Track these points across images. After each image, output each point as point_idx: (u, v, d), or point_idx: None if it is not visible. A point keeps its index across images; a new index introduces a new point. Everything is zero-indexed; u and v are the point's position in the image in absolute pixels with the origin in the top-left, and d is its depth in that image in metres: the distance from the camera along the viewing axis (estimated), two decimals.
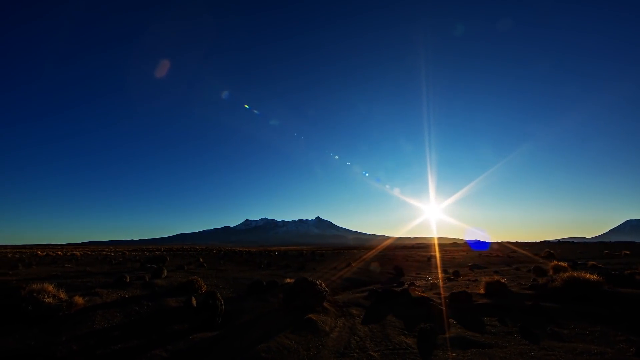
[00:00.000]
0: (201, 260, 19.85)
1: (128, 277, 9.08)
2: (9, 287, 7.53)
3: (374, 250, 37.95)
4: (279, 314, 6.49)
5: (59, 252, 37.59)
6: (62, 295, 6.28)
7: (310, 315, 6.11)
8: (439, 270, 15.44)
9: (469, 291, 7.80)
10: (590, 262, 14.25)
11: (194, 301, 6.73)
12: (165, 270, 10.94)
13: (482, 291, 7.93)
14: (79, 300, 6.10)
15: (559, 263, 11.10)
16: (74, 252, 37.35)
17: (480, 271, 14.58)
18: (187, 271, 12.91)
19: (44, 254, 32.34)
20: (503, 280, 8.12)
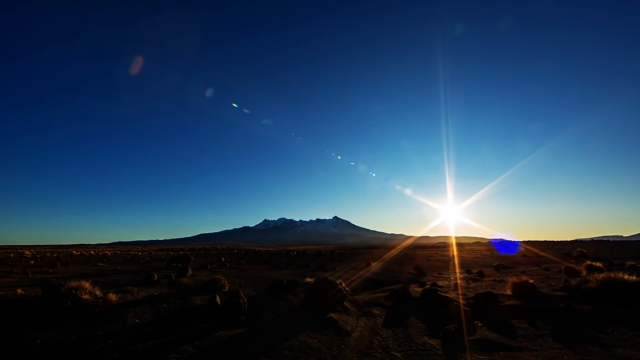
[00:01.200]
0: (223, 259, 20.40)
1: (156, 276, 9.50)
2: (50, 284, 8.08)
3: (393, 250, 37.43)
4: (300, 312, 6.56)
5: (92, 252, 39.88)
6: (98, 292, 6.68)
7: (331, 315, 6.13)
8: (462, 270, 15.00)
9: (495, 292, 7.54)
10: (629, 263, 13.31)
11: (218, 299, 6.94)
12: (190, 269, 11.34)
13: (509, 292, 7.64)
14: (112, 297, 6.46)
15: (593, 263, 10.47)
16: (105, 252, 39.50)
17: (505, 271, 14.02)
18: (211, 270, 13.32)
19: (79, 253, 34.44)
20: (531, 281, 7.78)
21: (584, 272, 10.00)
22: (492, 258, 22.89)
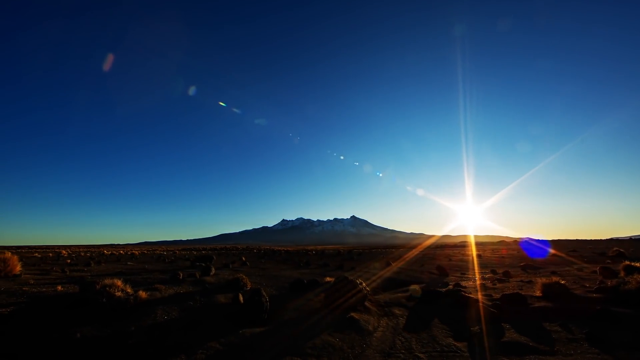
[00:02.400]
0: (244, 259, 20.85)
1: (181, 275, 9.87)
2: (86, 281, 8.60)
3: (413, 250, 36.73)
4: (321, 312, 6.60)
5: (121, 251, 41.98)
6: (129, 290, 7.04)
7: (352, 314, 6.13)
8: (487, 271, 14.48)
9: (523, 293, 7.24)
10: None
11: (241, 298, 7.11)
12: (213, 269, 11.68)
13: (538, 293, 7.31)
14: (142, 294, 6.78)
15: (632, 263, 9.79)
16: (133, 251, 41.44)
17: (534, 272, 13.40)
18: (232, 269, 13.66)
19: (110, 253, 36.36)
20: (563, 282, 7.40)
21: (622, 273, 9.37)
22: (518, 258, 21.94)
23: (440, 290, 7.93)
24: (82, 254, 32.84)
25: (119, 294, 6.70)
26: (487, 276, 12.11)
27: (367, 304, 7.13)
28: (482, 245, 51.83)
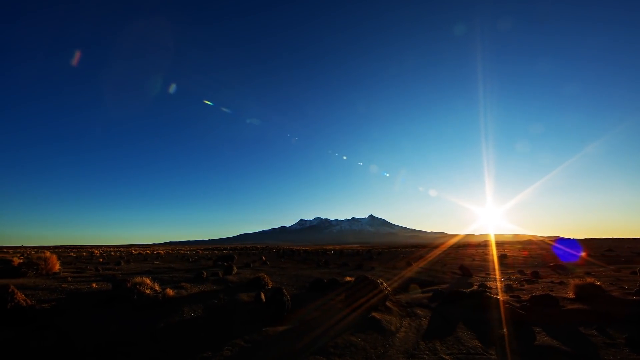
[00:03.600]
0: (264, 258, 21.19)
1: (205, 273, 10.19)
2: (117, 279, 9.07)
3: (434, 249, 35.86)
4: (342, 311, 6.59)
5: (148, 251, 43.87)
6: (157, 288, 7.35)
7: (374, 314, 6.09)
8: (514, 271, 13.90)
9: (554, 295, 6.90)
10: None
11: (263, 296, 7.24)
12: (235, 268, 11.96)
13: (571, 295, 6.94)
14: (169, 292, 7.06)
15: None
16: (159, 251, 43.21)
17: (565, 272, 12.72)
18: (253, 268, 13.92)
19: (137, 252, 38.12)
20: (598, 283, 6.97)
21: None
22: (547, 258, 20.88)
23: (464, 291, 7.70)
24: (113, 253, 34.64)
25: (148, 291, 7.02)
26: (513, 277, 11.64)
27: (388, 304, 7.05)
28: (507, 245, 49.80)
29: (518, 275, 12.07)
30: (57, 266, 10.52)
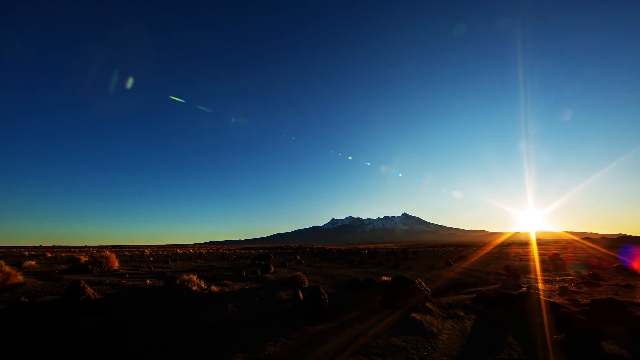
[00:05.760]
0: (298, 257, 21.60)
1: (244, 272, 10.65)
2: (167, 276, 9.82)
3: (476, 248, 33.94)
4: (380, 311, 6.52)
5: (191, 250, 46.88)
6: (203, 285, 7.85)
7: (414, 315, 5.94)
8: (569, 272, 12.70)
9: (620, 299, 6.20)
10: None
11: (300, 294, 7.41)
12: (272, 267, 12.36)
13: None
14: (214, 288, 7.50)
15: None
16: (201, 250, 45.97)
17: (632, 275, 11.34)
18: (289, 267, 14.27)
19: (182, 252, 40.89)
20: None
21: None
22: (608, 258, 18.75)
23: (513, 292, 7.21)
24: (161, 252, 37.53)
25: (195, 288, 7.53)
26: (569, 278, 10.64)
27: (428, 304, 6.83)
28: (557, 244, 45.55)
29: (574, 277, 11.00)
30: (116, 264, 11.65)
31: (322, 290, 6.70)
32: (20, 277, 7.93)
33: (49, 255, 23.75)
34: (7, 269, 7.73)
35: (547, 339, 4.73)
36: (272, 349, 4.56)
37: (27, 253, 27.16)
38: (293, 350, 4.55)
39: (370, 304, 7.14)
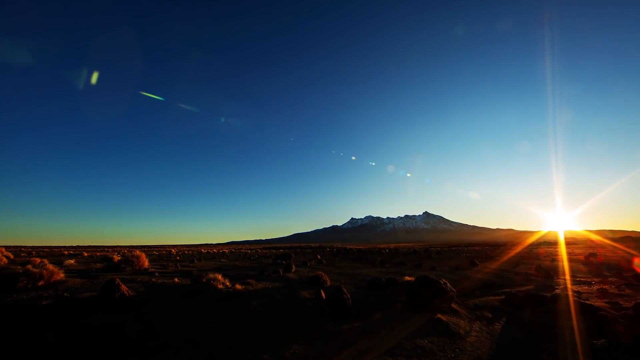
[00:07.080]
0: (319, 257, 21.67)
1: (267, 271, 10.84)
2: (194, 275, 10.19)
3: (503, 248, 32.53)
4: (404, 312, 6.42)
5: (214, 250, 48.32)
6: (228, 283, 8.07)
7: (439, 316, 5.80)
8: (608, 273, 11.88)
9: None
10: None
11: (323, 294, 7.44)
12: (294, 266, 12.49)
13: None
14: (238, 287, 7.70)
15: None
16: (224, 250, 47.26)
17: None
18: (310, 267, 14.36)
19: (206, 251, 42.24)
20: None
21: None
22: None
23: (545, 294, 6.85)
24: (186, 252, 38.98)
25: (220, 286, 7.75)
26: (608, 280, 9.95)
27: (454, 305, 6.64)
28: (594, 242, 42.65)
29: (615, 279, 10.28)
30: (146, 263, 12.24)
31: (345, 290, 6.69)
32: (62, 275, 8.52)
33: (86, 254, 25.39)
34: (50, 267, 8.34)
35: (585, 344, 4.46)
36: (297, 349, 4.62)
37: (66, 252, 29.17)
38: (319, 350, 4.58)
39: (393, 304, 7.04)
